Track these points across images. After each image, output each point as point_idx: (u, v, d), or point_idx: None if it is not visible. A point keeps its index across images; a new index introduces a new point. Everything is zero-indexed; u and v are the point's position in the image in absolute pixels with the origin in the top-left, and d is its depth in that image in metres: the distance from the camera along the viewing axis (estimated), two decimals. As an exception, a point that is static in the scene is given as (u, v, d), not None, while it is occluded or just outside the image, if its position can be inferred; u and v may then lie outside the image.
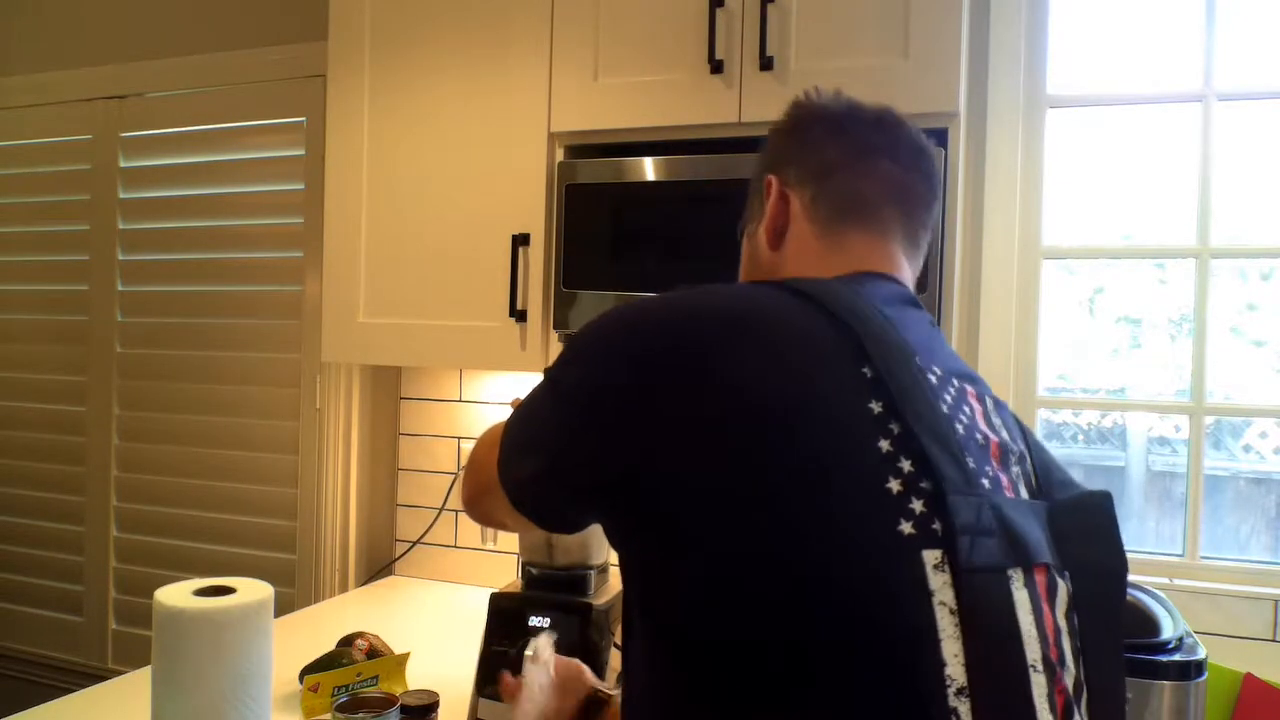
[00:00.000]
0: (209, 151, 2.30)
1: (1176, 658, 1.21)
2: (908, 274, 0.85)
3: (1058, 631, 0.66)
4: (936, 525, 0.61)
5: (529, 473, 0.76)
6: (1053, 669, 0.64)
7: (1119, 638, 0.71)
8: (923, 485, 0.62)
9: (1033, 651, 0.62)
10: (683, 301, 0.70)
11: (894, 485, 0.61)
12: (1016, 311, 1.75)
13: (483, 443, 0.86)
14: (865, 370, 0.64)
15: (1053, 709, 0.63)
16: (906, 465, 0.62)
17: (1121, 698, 0.70)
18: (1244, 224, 1.70)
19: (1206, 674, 1.21)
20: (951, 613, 0.59)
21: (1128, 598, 1.44)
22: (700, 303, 0.69)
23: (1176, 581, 1.67)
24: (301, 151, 2.18)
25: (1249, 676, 1.49)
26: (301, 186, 2.18)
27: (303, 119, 2.17)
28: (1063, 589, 0.68)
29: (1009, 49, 1.74)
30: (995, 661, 0.60)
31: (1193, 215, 1.70)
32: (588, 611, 1.32)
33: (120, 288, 2.39)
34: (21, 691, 2.46)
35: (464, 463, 0.95)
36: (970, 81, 1.68)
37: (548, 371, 0.77)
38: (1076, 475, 0.80)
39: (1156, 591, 1.46)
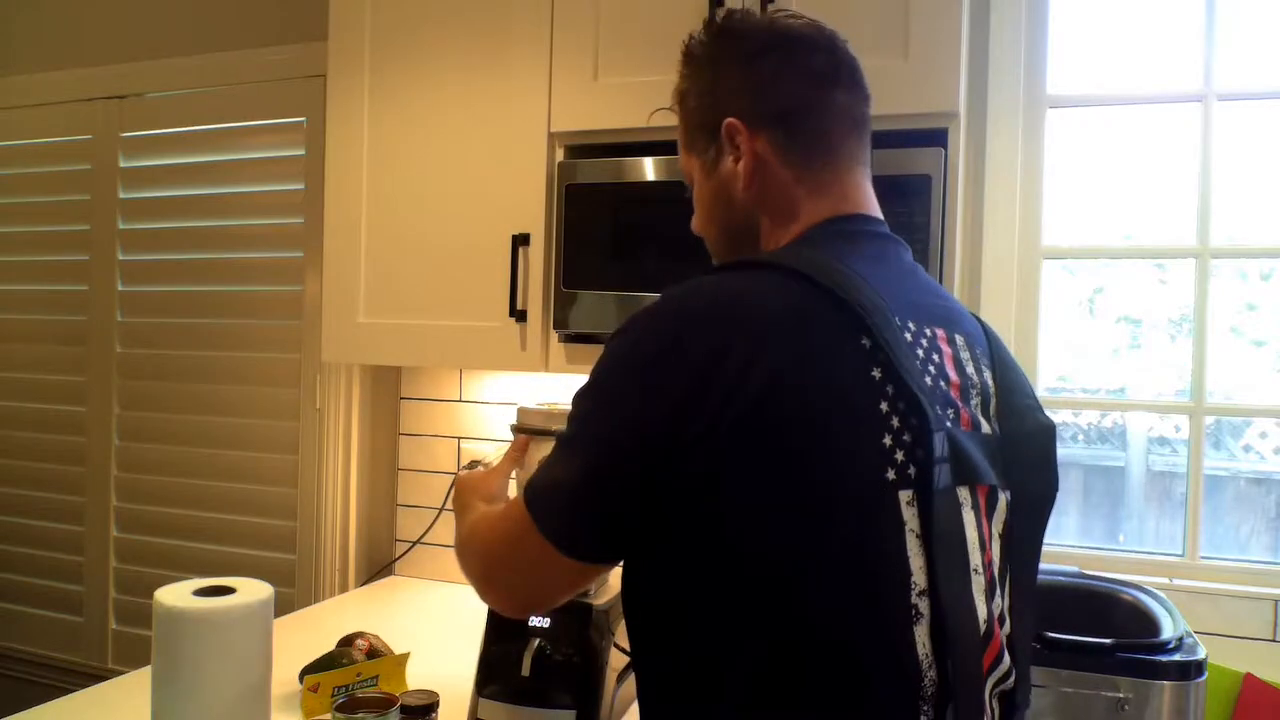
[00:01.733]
0: (209, 151, 2.30)
1: (1176, 658, 1.21)
2: (872, 196, 0.92)
3: (990, 537, 0.84)
4: (911, 470, 0.74)
5: (569, 490, 0.79)
6: (986, 568, 0.81)
7: (1040, 540, 0.91)
8: (904, 437, 0.75)
9: (975, 558, 0.80)
10: (698, 305, 0.76)
11: (887, 440, 0.74)
12: (1016, 311, 1.75)
13: (482, 524, 0.90)
14: (864, 341, 0.75)
15: (986, 600, 0.80)
16: (896, 421, 0.74)
17: (1034, 581, 0.89)
18: (1244, 224, 1.70)
19: (1206, 674, 1.21)
20: (917, 536, 0.74)
21: (1127, 596, 1.45)
22: (718, 303, 0.76)
23: (1176, 581, 1.67)
24: (301, 151, 2.18)
25: (1249, 676, 1.49)
26: (301, 186, 2.18)
27: (303, 119, 2.17)
28: (1001, 503, 0.86)
29: (1009, 49, 1.74)
30: (948, 566, 0.75)
31: (1193, 215, 1.70)
32: (588, 612, 1.31)
33: (120, 288, 2.38)
34: (21, 691, 2.46)
35: (459, 544, 0.98)
36: (970, 81, 1.67)
37: (573, 418, 0.80)
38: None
39: (1156, 591, 1.46)
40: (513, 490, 1.14)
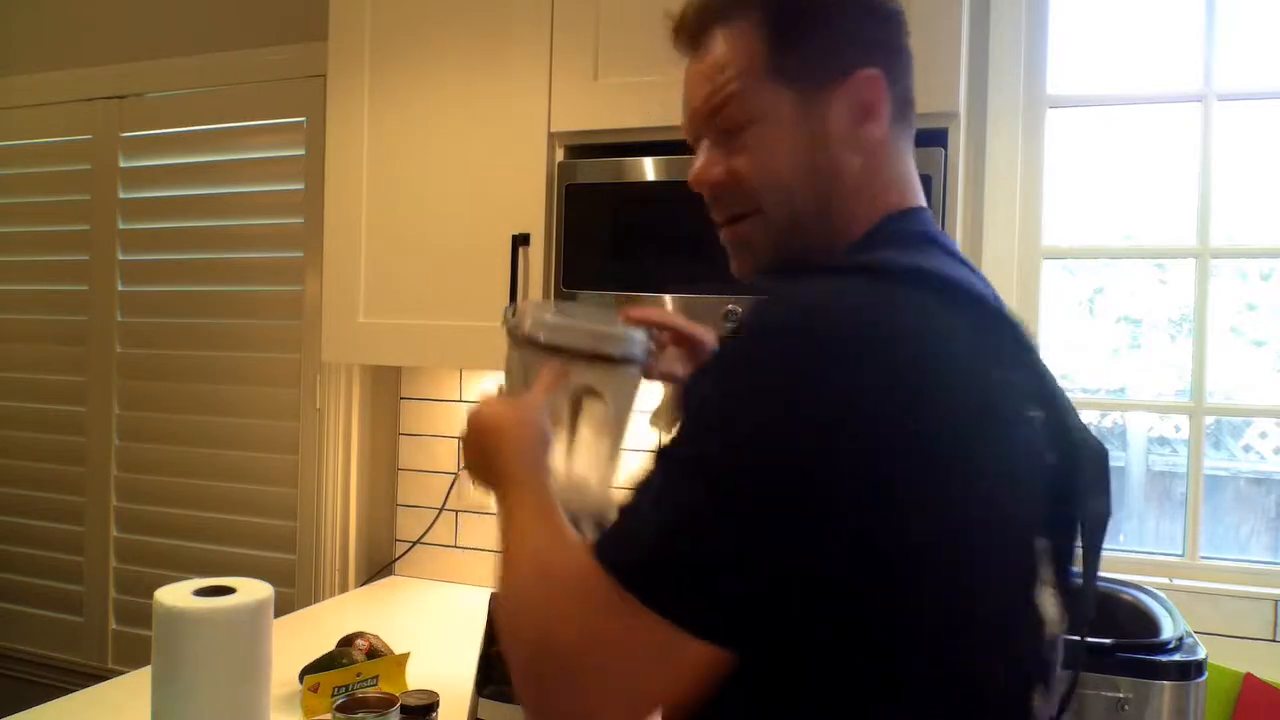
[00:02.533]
0: (209, 151, 2.30)
1: (1176, 658, 1.21)
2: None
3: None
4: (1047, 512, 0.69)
5: (695, 541, 0.59)
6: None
7: (1097, 565, 0.78)
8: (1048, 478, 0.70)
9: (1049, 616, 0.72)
10: (841, 324, 0.63)
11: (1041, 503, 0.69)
12: (1016, 311, 1.75)
13: (534, 598, 0.65)
14: (1019, 376, 0.70)
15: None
16: (1051, 458, 0.70)
17: (1092, 608, 0.79)
18: (1244, 224, 1.70)
19: (1206, 674, 1.21)
20: (1050, 585, 0.69)
21: (1127, 596, 1.45)
22: (863, 327, 0.63)
23: (1176, 581, 1.67)
24: (301, 151, 2.18)
25: (1249, 676, 1.49)
26: (301, 186, 2.18)
27: (303, 119, 2.17)
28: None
29: (1009, 49, 1.74)
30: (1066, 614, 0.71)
31: (1193, 215, 1.70)
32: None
33: (120, 288, 2.38)
34: (21, 691, 2.46)
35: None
36: (970, 81, 1.67)
37: (697, 455, 0.62)
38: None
39: (1156, 591, 1.46)
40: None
